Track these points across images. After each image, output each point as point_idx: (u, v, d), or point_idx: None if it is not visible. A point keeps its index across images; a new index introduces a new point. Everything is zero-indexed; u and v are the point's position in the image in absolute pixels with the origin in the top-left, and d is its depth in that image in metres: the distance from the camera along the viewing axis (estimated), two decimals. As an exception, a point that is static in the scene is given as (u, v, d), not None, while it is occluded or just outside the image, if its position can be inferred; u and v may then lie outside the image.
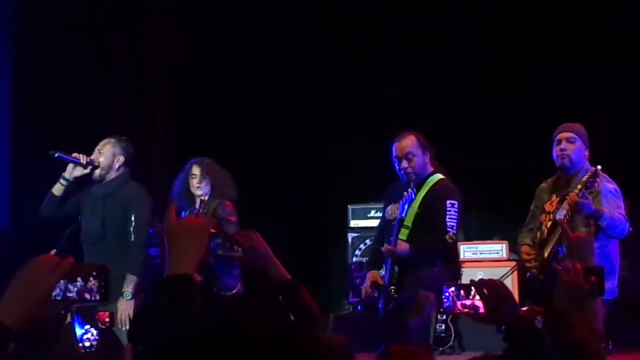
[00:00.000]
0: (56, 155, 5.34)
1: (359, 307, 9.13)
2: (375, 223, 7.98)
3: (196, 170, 5.60)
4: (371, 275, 5.22)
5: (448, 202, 5.02)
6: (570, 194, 4.72)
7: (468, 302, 2.53)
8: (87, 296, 2.02)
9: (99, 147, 5.47)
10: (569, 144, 4.97)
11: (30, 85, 7.47)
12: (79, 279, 2.00)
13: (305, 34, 9.53)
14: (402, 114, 8.87)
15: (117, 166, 5.45)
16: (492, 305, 2.43)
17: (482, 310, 2.48)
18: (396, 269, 5.04)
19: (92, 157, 5.42)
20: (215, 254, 5.38)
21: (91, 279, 2.02)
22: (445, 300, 2.58)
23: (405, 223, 5.07)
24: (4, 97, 7.37)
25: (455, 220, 5.01)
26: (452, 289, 2.55)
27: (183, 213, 5.80)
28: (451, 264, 5.15)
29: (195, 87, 9.30)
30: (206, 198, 5.54)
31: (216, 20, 9.29)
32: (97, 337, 3.48)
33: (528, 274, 5.04)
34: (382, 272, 5.18)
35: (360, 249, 9.18)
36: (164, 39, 8.75)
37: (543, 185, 5.23)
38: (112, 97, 7.95)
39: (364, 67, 9.48)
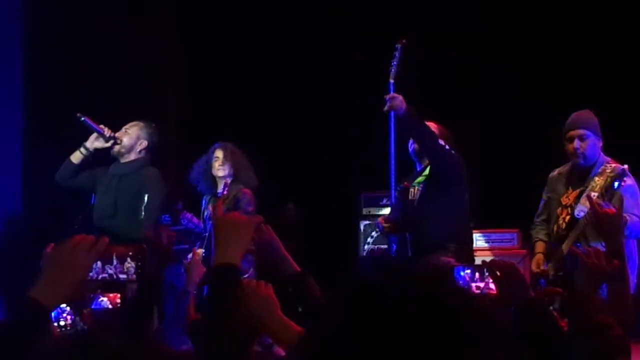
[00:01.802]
0: (82, 119, 5.40)
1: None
2: (387, 211, 7.99)
3: (219, 153, 5.64)
4: (380, 218, 5.29)
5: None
6: (593, 197, 4.51)
7: (482, 284, 2.53)
8: (123, 277, 2.03)
9: (126, 126, 5.55)
10: (582, 142, 4.85)
11: (42, 69, 7.48)
12: (114, 259, 2.01)
13: (309, 23, 9.53)
14: (418, 101, 8.85)
15: (138, 149, 5.52)
16: (503, 286, 2.42)
17: (494, 291, 2.48)
18: (408, 237, 5.06)
19: (117, 134, 5.46)
20: None
21: (128, 259, 2.03)
22: (461, 283, 2.58)
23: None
24: (16, 81, 7.39)
25: (448, 147, 5.00)
26: (467, 271, 2.55)
27: (204, 199, 5.82)
28: (464, 249, 5.16)
29: (204, 76, 9.31)
30: (229, 181, 5.52)
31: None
32: (73, 317, 3.49)
33: (541, 280, 4.93)
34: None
35: (372, 237, 9.16)
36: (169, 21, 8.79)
37: (555, 174, 5.15)
38: (124, 82, 7.97)
39: (376, 53, 9.45)
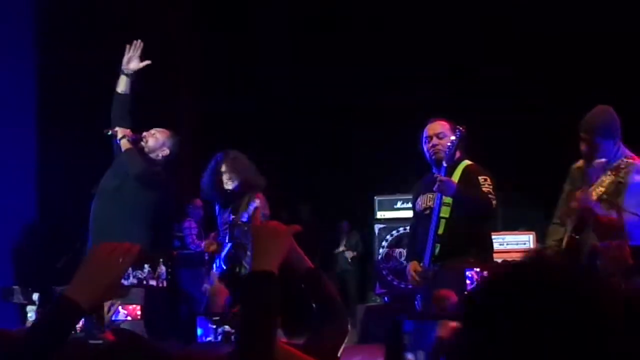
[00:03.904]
0: (109, 133, 5.58)
1: (386, 299, 9.11)
2: (401, 214, 7.96)
3: (223, 167, 5.68)
4: (412, 265, 5.20)
5: (480, 177, 5.05)
6: (577, 192, 4.48)
7: None
8: (154, 282, 2.09)
9: (155, 130, 5.75)
10: (589, 147, 4.77)
11: (56, 74, 7.52)
12: (146, 265, 2.07)
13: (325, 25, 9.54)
14: (431, 105, 8.86)
15: (160, 154, 5.66)
16: None
17: None
18: (437, 248, 5.01)
19: (145, 133, 5.66)
20: (239, 242, 5.37)
21: (160, 265, 2.09)
22: (469, 282, 2.57)
23: (441, 215, 5.06)
24: (30, 88, 7.43)
25: (492, 192, 5.01)
26: (476, 270, 2.54)
27: (216, 206, 5.84)
28: (485, 252, 5.13)
29: (217, 79, 9.32)
30: (258, 202, 5.50)
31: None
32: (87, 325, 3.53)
33: None
34: (425, 261, 5.14)
35: (386, 240, 9.13)
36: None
37: (575, 166, 4.99)
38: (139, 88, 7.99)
39: (392, 57, 9.45)
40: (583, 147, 4.73)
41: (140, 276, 2.10)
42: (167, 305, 5.69)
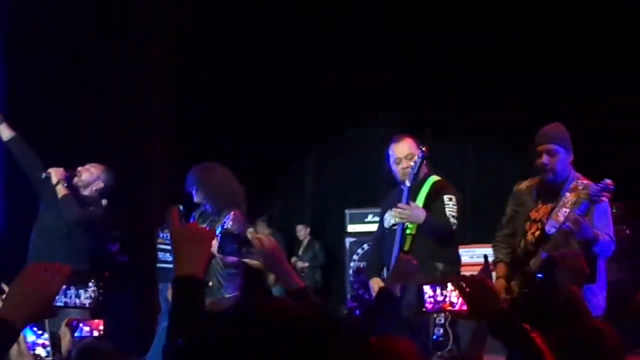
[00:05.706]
0: (44, 176, 5.65)
1: (357, 312, 9.11)
2: (372, 228, 7.95)
3: (190, 180, 5.53)
4: (374, 282, 5.19)
5: (445, 197, 5.04)
6: (565, 213, 4.45)
7: (441, 298, 2.52)
8: (87, 303, 2.10)
9: (90, 165, 5.82)
10: (551, 157, 4.71)
11: (24, 91, 7.50)
12: (79, 286, 2.08)
13: (303, 42, 9.57)
14: (400, 119, 8.91)
15: (94, 188, 5.87)
16: (474, 301, 2.41)
17: (461, 307, 2.47)
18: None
19: (79, 168, 5.74)
20: (231, 256, 5.30)
21: (90, 285, 2.11)
22: (428, 300, 2.57)
23: (408, 232, 5.05)
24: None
25: (454, 213, 5.01)
26: (429, 287, 2.54)
27: (193, 214, 5.77)
28: (453, 268, 5.12)
29: (189, 97, 9.29)
30: (232, 216, 5.40)
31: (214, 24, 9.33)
32: (49, 344, 3.48)
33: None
34: (384, 274, 5.14)
35: (357, 254, 9.15)
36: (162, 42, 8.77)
37: (522, 187, 4.95)
38: (110, 108, 7.97)
39: (360, 73, 9.47)
40: (543, 159, 4.70)
41: (73, 296, 2.13)
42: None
